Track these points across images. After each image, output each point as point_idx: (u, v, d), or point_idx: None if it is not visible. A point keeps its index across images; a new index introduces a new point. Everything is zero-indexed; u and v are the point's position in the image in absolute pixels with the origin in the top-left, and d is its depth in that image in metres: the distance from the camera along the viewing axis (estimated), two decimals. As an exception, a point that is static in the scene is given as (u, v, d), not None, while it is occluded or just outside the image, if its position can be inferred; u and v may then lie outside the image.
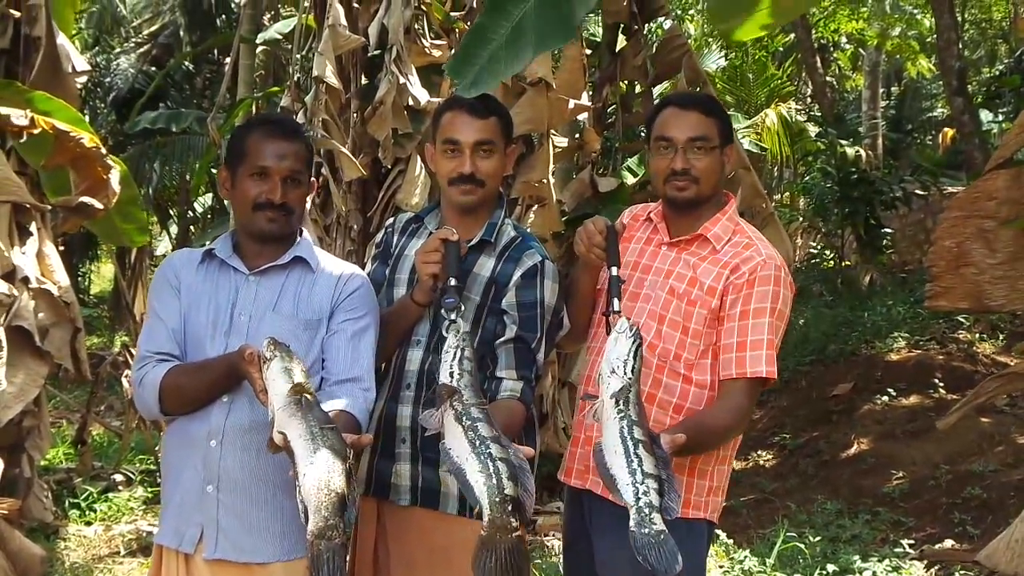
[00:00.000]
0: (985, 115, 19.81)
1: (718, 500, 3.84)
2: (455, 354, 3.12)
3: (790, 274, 3.82)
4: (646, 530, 2.91)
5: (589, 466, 3.63)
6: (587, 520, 3.81)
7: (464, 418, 3.01)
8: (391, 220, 4.15)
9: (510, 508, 2.89)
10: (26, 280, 5.38)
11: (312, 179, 3.73)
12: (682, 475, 3.66)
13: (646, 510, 2.93)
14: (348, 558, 3.04)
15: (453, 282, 3.54)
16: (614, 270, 3.55)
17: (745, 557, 7.42)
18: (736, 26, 6.00)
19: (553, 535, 7.58)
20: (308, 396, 3.00)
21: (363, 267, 4.03)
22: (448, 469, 3.02)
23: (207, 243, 3.79)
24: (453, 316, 3.36)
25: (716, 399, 3.71)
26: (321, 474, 2.86)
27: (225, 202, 15.22)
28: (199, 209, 27.10)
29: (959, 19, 20.12)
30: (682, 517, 3.60)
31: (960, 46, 17.03)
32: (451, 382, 3.08)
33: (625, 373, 3.07)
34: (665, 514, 2.95)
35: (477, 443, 2.96)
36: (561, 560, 4.28)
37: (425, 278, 3.66)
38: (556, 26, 5.16)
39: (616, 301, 3.46)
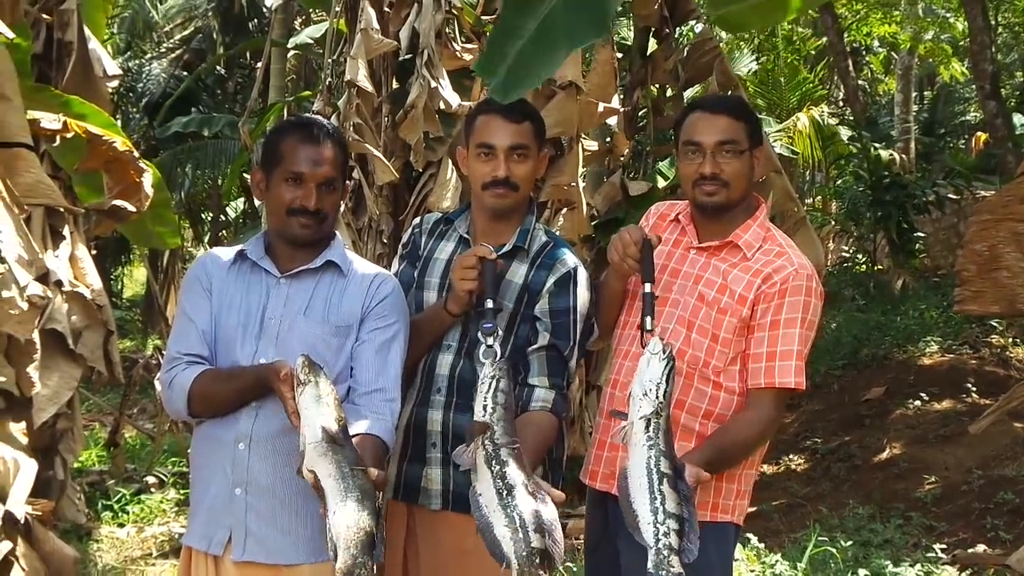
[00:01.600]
0: (1018, 119, 19.71)
1: (744, 503, 3.84)
2: (490, 385, 3.11)
3: (820, 282, 3.81)
4: (663, 572, 2.91)
5: (614, 471, 3.61)
6: (612, 524, 3.79)
7: (494, 462, 3.01)
8: (417, 220, 4.12)
9: (538, 560, 2.90)
10: (59, 283, 5.41)
11: (347, 182, 3.72)
12: (710, 479, 3.65)
13: (664, 552, 2.92)
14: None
15: (490, 304, 3.53)
16: (647, 287, 3.53)
17: (776, 561, 7.39)
18: (731, 13, 5.97)
19: (584, 538, 7.57)
20: (339, 429, 3.01)
21: (394, 269, 4.02)
22: (477, 521, 3.02)
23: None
24: (490, 341, 3.37)
25: (743, 409, 3.71)
26: (351, 512, 2.90)
27: (257, 203, 15.27)
28: (231, 214, 27.23)
29: (992, 22, 20.02)
30: (711, 520, 3.63)
31: (993, 50, 16.95)
32: (484, 416, 3.07)
33: (657, 397, 3.03)
34: (684, 557, 2.94)
35: (504, 493, 2.97)
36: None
37: (461, 294, 3.65)
38: (588, 22, 5.14)
39: (649, 320, 3.43)
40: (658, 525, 2.93)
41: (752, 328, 3.68)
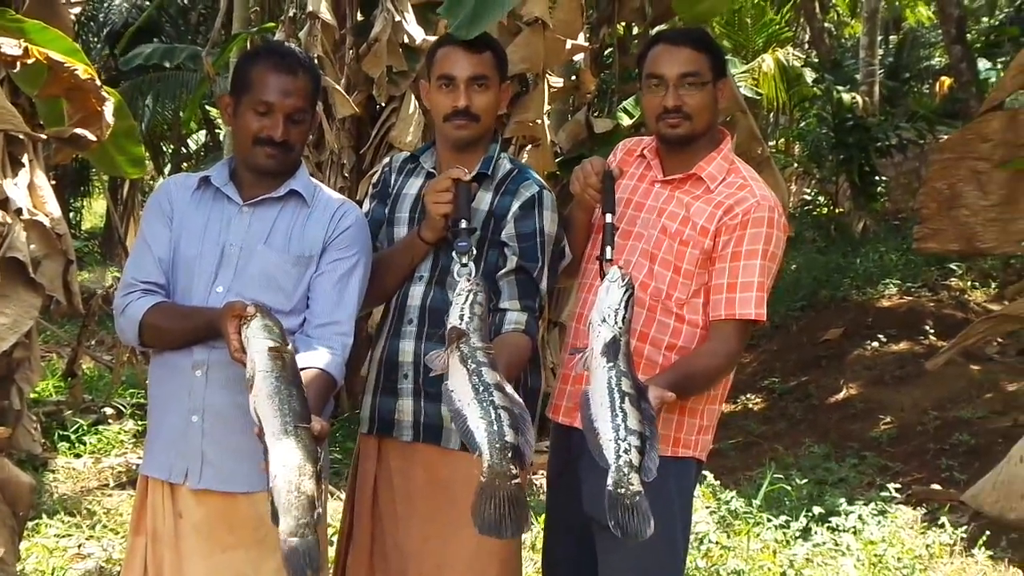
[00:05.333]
0: (983, 64, 19.76)
1: (707, 439, 3.85)
2: (467, 298, 3.11)
3: (784, 215, 3.82)
4: (622, 490, 2.92)
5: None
6: (574, 453, 3.78)
7: (469, 361, 3.00)
8: (387, 159, 4.14)
9: (510, 455, 2.91)
10: (19, 211, 5.35)
11: (316, 112, 3.70)
12: (673, 414, 3.66)
13: (625, 469, 2.93)
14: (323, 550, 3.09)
15: (465, 225, 3.53)
16: (608, 217, 3.55)
17: (732, 498, 7.45)
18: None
19: (542, 473, 7.60)
20: (286, 357, 3.00)
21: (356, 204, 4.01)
22: (449, 412, 3.04)
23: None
24: (465, 260, 3.38)
25: (706, 340, 3.72)
26: (292, 477, 2.90)
27: (222, 133, 15.07)
28: (192, 146, 27.03)
29: (959, -34, 20.00)
30: (672, 456, 3.64)
31: (960, -6, 16.96)
32: (460, 325, 3.06)
33: (616, 323, 3.06)
34: (643, 475, 2.95)
35: (480, 389, 2.97)
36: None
37: (436, 218, 3.64)
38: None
39: (609, 249, 3.45)
40: (619, 442, 2.95)
41: (714, 260, 3.69)
